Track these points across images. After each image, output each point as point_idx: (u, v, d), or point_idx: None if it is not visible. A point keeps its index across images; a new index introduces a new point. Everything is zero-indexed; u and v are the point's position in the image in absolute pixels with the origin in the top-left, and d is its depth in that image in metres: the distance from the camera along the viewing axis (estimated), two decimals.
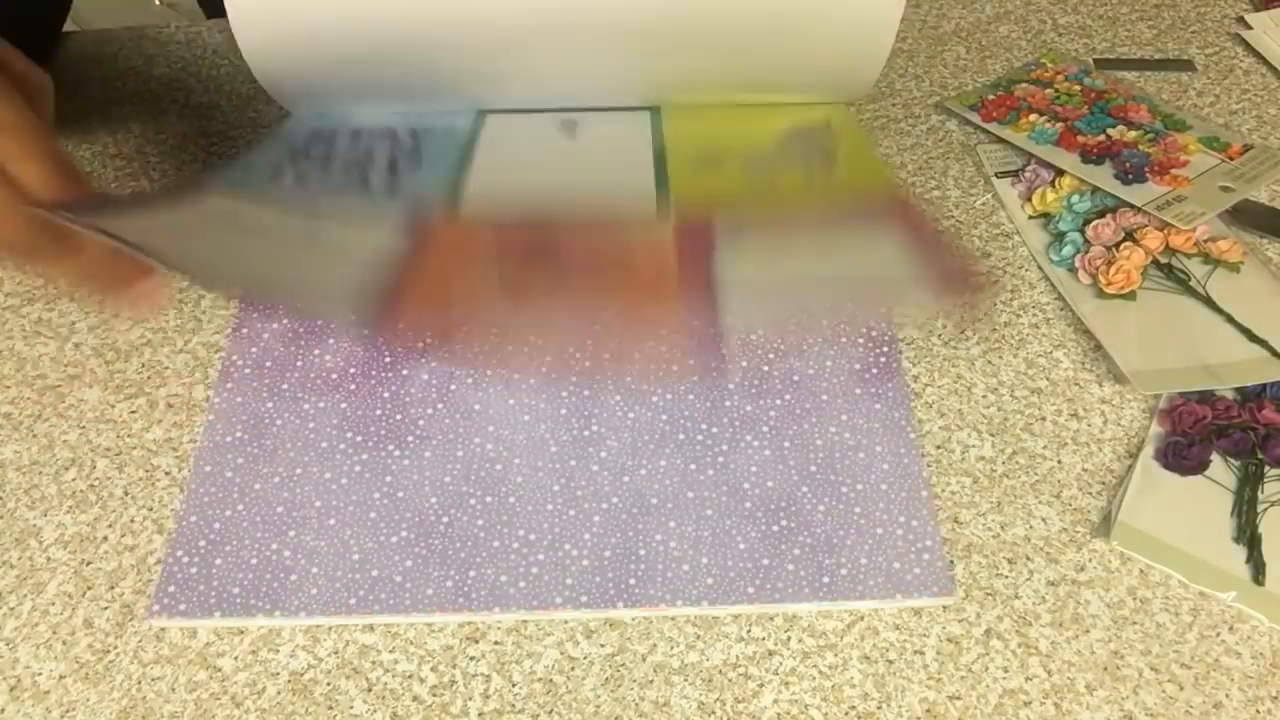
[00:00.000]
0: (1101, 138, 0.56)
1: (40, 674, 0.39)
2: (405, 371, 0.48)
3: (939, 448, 0.46)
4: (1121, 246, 0.51)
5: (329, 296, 0.38)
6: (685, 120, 0.55)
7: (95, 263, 0.36)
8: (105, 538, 0.43)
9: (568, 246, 0.41)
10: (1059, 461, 0.45)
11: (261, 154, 0.50)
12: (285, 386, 0.47)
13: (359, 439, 0.45)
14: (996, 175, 0.57)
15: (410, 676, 0.39)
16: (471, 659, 0.39)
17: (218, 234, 0.38)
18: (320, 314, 0.36)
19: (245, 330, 0.49)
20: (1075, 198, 0.54)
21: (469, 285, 0.40)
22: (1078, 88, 0.60)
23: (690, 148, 0.53)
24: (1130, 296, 0.50)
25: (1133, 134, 0.56)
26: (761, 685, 0.39)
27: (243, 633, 0.40)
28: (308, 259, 0.39)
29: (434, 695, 0.38)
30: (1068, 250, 0.52)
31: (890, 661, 0.39)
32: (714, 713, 0.38)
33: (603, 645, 0.40)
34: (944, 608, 0.41)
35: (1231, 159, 0.55)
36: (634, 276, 0.41)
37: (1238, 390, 0.47)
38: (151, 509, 0.44)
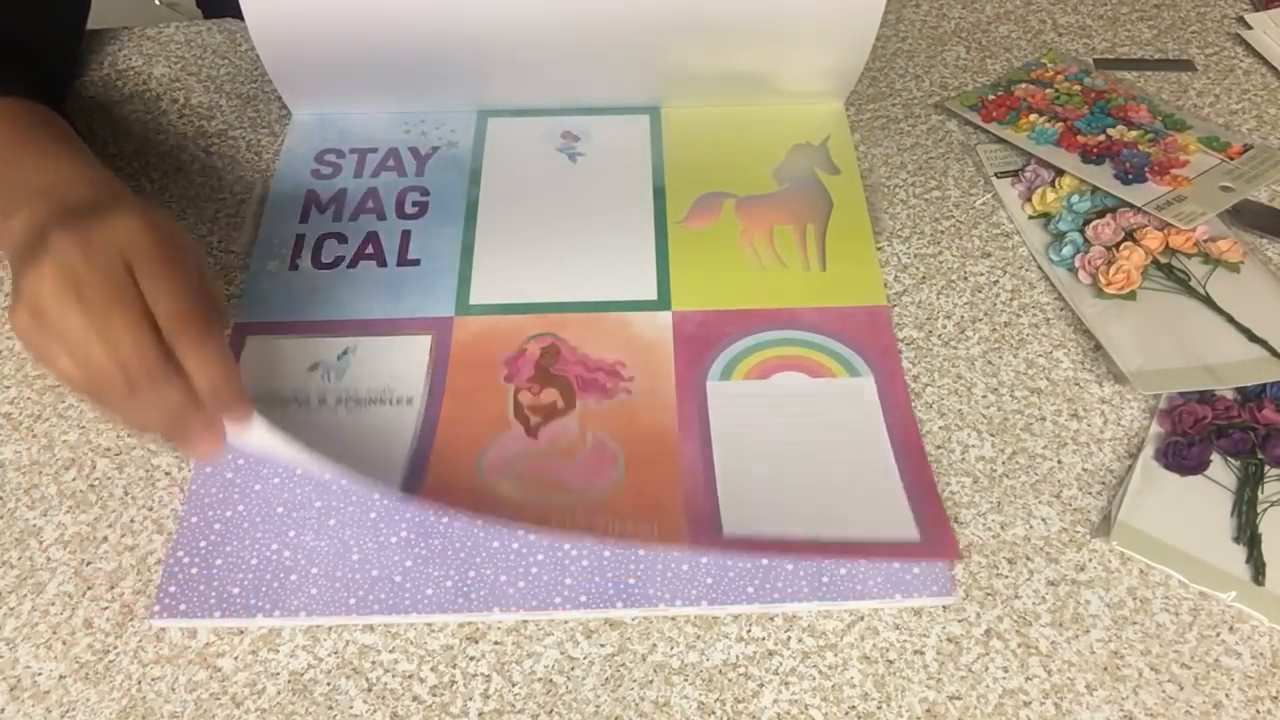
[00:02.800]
0: (1101, 138, 0.56)
1: (40, 674, 0.39)
2: None
3: (939, 448, 0.46)
4: (1121, 246, 0.51)
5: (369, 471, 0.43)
6: (684, 150, 0.57)
7: (183, 403, 0.37)
8: (105, 538, 0.43)
9: (572, 349, 0.48)
10: (1059, 461, 0.45)
11: (276, 216, 0.54)
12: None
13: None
14: (996, 175, 0.57)
15: (410, 676, 0.39)
16: (471, 659, 0.39)
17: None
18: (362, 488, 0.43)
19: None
20: (1075, 198, 0.54)
21: (487, 421, 0.46)
22: (1078, 88, 0.60)
23: (688, 187, 0.56)
24: (1130, 296, 0.50)
25: (1133, 134, 0.56)
26: (761, 685, 0.39)
27: (243, 633, 0.40)
28: (344, 420, 0.46)
29: (434, 695, 0.38)
30: (1068, 250, 0.52)
31: (890, 661, 0.39)
32: (714, 713, 0.38)
33: (603, 645, 0.40)
34: (944, 608, 0.41)
35: (1231, 159, 0.55)
36: (637, 391, 0.46)
37: (1238, 390, 0.46)
38: (151, 509, 0.44)
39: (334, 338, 0.48)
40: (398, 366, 0.47)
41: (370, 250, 0.52)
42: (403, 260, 0.52)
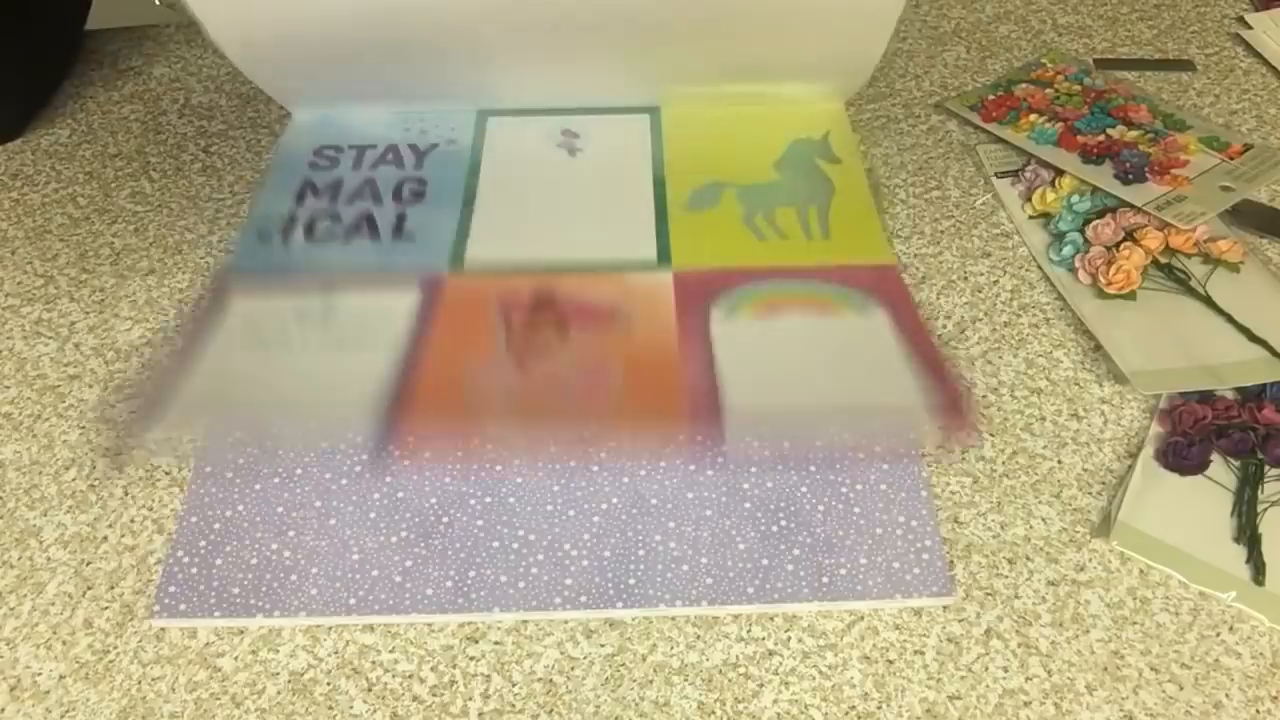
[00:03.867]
0: (1101, 138, 0.56)
1: (40, 674, 0.39)
2: None
3: (939, 447, 0.46)
4: (1121, 246, 0.51)
5: (348, 404, 0.43)
6: (684, 144, 0.58)
7: None
8: (105, 538, 0.43)
9: (568, 295, 0.46)
10: (1059, 461, 0.45)
11: (271, 197, 0.54)
12: None
13: (359, 439, 0.45)
14: (996, 175, 0.57)
15: (410, 676, 0.39)
16: (471, 659, 0.39)
17: (243, 362, 0.43)
18: (336, 435, 0.43)
19: None
20: (1075, 198, 0.54)
21: (477, 353, 0.44)
22: (1078, 88, 0.60)
23: (688, 177, 0.56)
24: (1130, 296, 0.50)
25: (1133, 134, 0.56)
26: (761, 685, 0.39)
27: (243, 633, 0.40)
28: (326, 361, 0.44)
29: (434, 695, 0.38)
30: (1068, 250, 0.52)
31: (890, 661, 0.39)
32: (714, 713, 0.38)
33: (603, 645, 0.40)
34: (944, 608, 0.41)
35: (1231, 159, 0.55)
36: (634, 326, 0.45)
37: (1238, 390, 0.47)
38: (151, 509, 0.44)
39: (321, 292, 0.48)
40: (386, 313, 0.47)
41: (364, 230, 0.52)
42: (398, 235, 0.52)
